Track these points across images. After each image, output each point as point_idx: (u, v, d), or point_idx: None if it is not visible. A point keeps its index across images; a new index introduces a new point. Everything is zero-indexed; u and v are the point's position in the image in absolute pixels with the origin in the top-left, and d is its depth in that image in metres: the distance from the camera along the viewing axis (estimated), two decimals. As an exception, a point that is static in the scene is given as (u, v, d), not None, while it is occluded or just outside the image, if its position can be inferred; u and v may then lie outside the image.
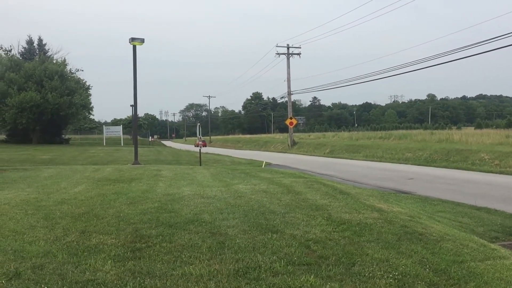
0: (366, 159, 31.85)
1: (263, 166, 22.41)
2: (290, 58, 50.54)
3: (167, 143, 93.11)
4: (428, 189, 15.35)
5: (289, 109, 52.87)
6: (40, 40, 56.33)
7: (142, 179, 12.53)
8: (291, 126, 50.93)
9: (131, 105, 67.10)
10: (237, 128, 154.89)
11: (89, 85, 53.06)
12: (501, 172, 20.67)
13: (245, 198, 8.92)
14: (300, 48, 51.03)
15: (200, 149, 24.55)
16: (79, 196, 9.42)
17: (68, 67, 50.66)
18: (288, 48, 50.75)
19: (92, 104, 53.03)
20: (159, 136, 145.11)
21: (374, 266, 4.89)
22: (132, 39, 24.73)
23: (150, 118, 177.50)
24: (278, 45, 50.74)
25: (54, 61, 50.07)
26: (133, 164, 22.61)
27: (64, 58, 52.33)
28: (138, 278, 4.48)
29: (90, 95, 52.55)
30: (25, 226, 6.56)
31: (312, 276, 4.55)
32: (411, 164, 26.60)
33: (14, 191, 10.32)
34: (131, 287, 4.27)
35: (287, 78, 51.02)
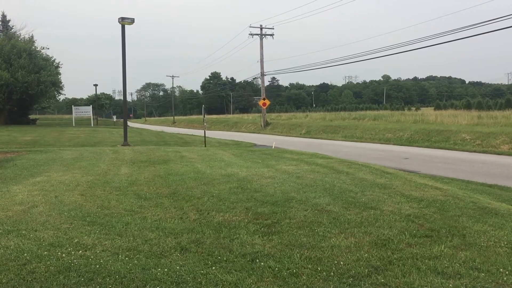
0: (346, 140, 32.80)
1: (273, 147, 22.49)
2: (264, 39, 50.96)
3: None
4: (429, 168, 16.22)
5: (262, 90, 53.38)
6: (3, 16, 54.13)
7: (174, 161, 12.80)
8: (264, 107, 51.46)
9: (94, 85, 65.79)
10: (196, 108, 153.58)
11: (58, 63, 51.63)
12: (484, 152, 21.94)
13: (305, 179, 9.43)
14: (273, 29, 51.53)
15: (204, 131, 24.98)
16: (139, 178, 9.68)
17: (35, 45, 49.06)
18: (261, 28, 51.01)
19: (62, 83, 51.69)
20: (117, 116, 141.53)
21: (482, 237, 5.53)
22: (122, 19, 24.46)
23: (107, 98, 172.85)
24: (251, 25, 50.99)
25: (21, 38, 48.37)
26: (122, 145, 22.65)
27: (32, 34, 50.68)
28: (297, 250, 4.99)
29: (59, 73, 51.14)
30: (135, 206, 6.93)
31: (442, 246, 5.16)
32: (393, 144, 27.69)
33: (62, 174, 10.44)
34: (297, 258, 4.76)
35: (260, 59, 51.39)
